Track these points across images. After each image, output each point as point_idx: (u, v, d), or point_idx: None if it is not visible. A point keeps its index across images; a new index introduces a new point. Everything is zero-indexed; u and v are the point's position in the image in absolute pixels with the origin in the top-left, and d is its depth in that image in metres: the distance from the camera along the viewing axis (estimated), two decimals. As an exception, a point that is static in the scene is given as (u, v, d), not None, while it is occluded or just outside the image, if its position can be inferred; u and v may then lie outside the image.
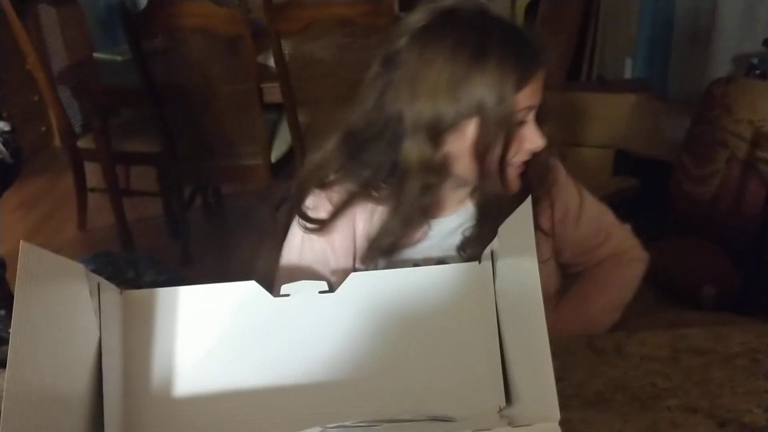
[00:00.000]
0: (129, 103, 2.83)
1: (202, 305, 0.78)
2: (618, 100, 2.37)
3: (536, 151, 0.95)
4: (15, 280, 0.58)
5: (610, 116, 2.34)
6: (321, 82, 2.31)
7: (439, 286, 0.80)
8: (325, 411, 0.74)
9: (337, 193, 1.02)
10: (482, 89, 0.88)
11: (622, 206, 2.01)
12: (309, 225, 1.03)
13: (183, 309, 0.78)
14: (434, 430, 0.72)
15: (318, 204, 1.03)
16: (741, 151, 1.80)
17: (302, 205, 1.03)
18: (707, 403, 0.87)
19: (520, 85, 0.88)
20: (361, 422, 0.70)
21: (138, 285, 1.83)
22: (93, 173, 2.89)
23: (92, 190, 2.94)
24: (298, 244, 1.05)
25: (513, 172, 0.96)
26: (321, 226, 1.02)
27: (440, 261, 1.02)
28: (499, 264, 0.75)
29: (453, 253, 1.03)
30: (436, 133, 0.91)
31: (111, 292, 0.74)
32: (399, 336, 0.79)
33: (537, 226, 1.02)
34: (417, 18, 0.93)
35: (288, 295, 0.79)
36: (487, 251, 0.78)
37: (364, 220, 1.03)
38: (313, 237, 1.03)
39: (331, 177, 1.03)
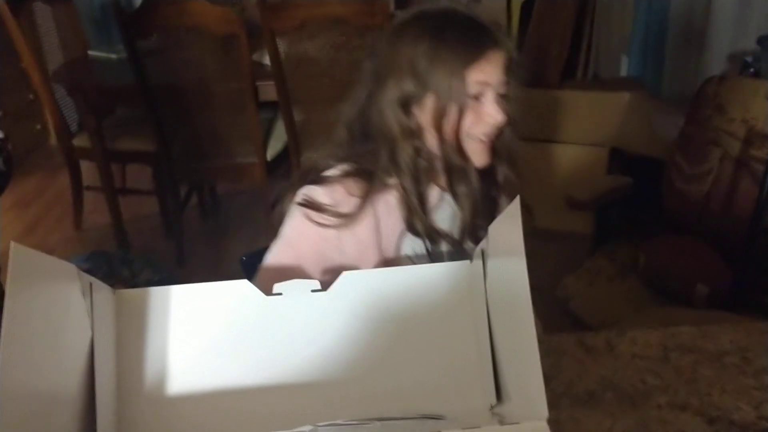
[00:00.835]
0: (124, 101, 2.83)
1: (195, 304, 0.79)
2: (612, 98, 2.37)
3: (496, 125, 1.03)
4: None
5: (604, 115, 2.35)
6: (316, 80, 2.31)
7: (430, 285, 0.81)
8: (316, 409, 0.74)
9: (354, 186, 1.04)
10: (437, 66, 1.00)
11: (615, 204, 2.02)
12: (333, 220, 1.02)
13: (176, 308, 0.78)
14: (425, 428, 0.72)
15: (338, 199, 1.03)
16: (734, 150, 1.80)
17: (316, 203, 1.03)
18: (697, 400, 0.88)
19: (469, 61, 0.99)
20: (352, 420, 0.71)
21: (133, 284, 1.83)
22: (88, 172, 2.88)
23: (88, 188, 2.93)
24: (311, 242, 1.04)
25: (477, 146, 1.05)
26: (346, 219, 1.02)
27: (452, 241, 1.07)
28: (489, 264, 0.76)
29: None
30: (406, 106, 1.03)
31: (103, 291, 0.74)
32: (390, 334, 0.79)
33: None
34: (397, 18, 1.08)
35: (280, 294, 0.79)
36: (478, 250, 0.79)
37: (385, 212, 1.05)
38: (330, 232, 1.03)
39: (337, 170, 1.05)
